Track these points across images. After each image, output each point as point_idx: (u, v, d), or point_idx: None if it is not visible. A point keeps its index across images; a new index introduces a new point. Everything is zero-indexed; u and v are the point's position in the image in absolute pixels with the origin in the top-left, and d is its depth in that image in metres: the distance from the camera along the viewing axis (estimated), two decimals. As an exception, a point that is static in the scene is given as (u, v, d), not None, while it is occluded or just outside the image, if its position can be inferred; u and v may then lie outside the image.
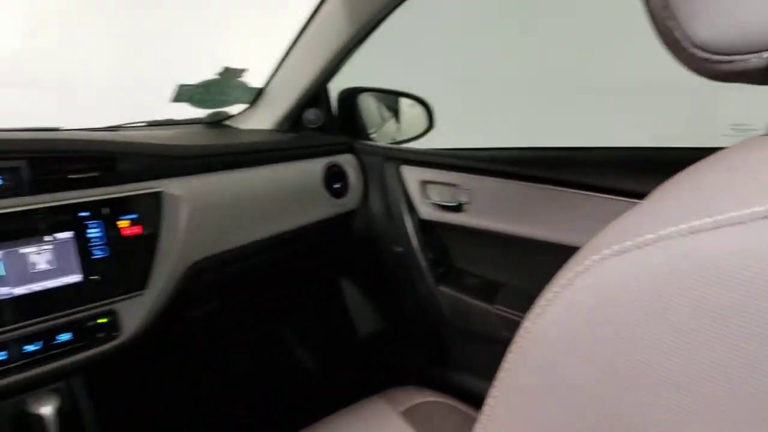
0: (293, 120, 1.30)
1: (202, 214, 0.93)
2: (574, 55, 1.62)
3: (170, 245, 0.88)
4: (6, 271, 0.72)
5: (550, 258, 1.01)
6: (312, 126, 1.31)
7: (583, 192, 0.96)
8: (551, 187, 1.00)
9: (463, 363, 1.25)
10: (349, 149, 1.29)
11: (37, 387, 0.78)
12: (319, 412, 0.95)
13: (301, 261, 1.31)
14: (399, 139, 1.39)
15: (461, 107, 1.63)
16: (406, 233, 1.21)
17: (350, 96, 1.36)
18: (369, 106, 1.42)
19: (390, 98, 1.43)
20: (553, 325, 0.31)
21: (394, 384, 1.01)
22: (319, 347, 1.56)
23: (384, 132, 1.43)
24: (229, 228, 1.00)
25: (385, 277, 1.31)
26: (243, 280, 1.15)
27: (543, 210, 1.02)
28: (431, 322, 1.24)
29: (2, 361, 0.72)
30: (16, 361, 0.73)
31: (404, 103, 1.39)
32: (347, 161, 1.26)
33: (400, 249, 1.23)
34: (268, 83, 1.28)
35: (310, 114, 1.30)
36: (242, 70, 1.23)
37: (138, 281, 0.85)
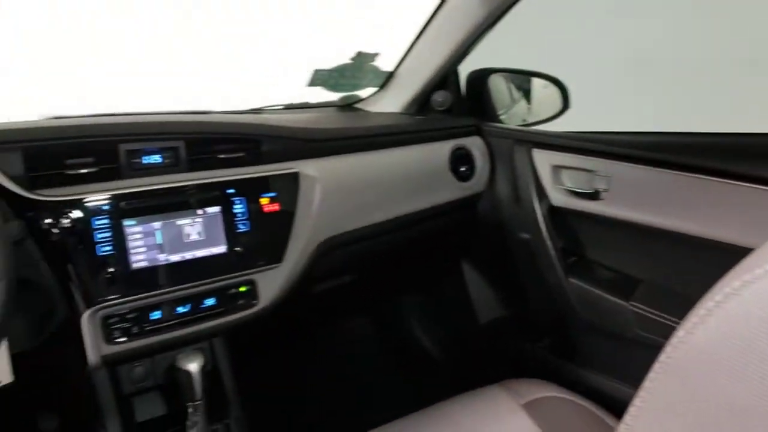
0: (421, 103, 1.30)
1: (334, 194, 0.97)
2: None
3: (304, 222, 0.93)
4: (163, 239, 0.81)
5: (700, 255, 0.92)
6: (440, 108, 1.30)
7: (746, 184, 0.84)
8: (704, 177, 0.90)
9: (591, 359, 1.18)
10: (477, 132, 1.26)
11: (185, 345, 0.88)
12: (435, 395, 0.96)
13: (426, 243, 1.32)
14: (530, 120, 1.34)
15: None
16: (534, 219, 1.16)
17: (479, 77, 1.33)
18: (499, 87, 1.37)
19: (521, 79, 1.37)
20: (713, 338, 0.28)
21: (514, 374, 0.98)
22: (438, 329, 1.57)
23: (514, 113, 1.38)
24: (359, 208, 1.03)
25: (511, 264, 1.28)
26: (369, 258, 1.19)
27: (694, 202, 0.92)
28: (558, 313, 1.19)
29: (157, 319, 0.82)
30: (169, 321, 0.82)
31: (536, 84, 1.33)
32: (474, 144, 1.24)
33: (527, 236, 1.19)
34: (398, 67, 1.29)
35: (439, 96, 1.29)
36: (375, 55, 1.26)
37: (275, 254, 0.91)
